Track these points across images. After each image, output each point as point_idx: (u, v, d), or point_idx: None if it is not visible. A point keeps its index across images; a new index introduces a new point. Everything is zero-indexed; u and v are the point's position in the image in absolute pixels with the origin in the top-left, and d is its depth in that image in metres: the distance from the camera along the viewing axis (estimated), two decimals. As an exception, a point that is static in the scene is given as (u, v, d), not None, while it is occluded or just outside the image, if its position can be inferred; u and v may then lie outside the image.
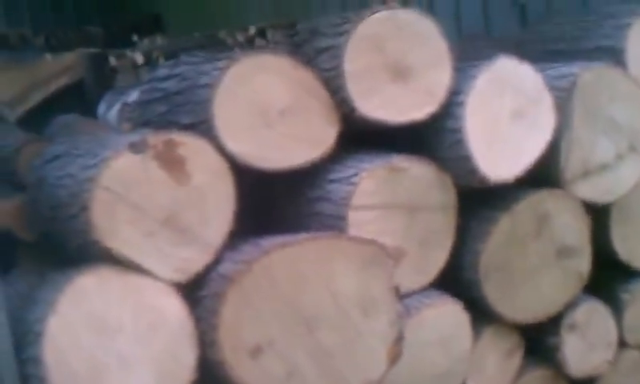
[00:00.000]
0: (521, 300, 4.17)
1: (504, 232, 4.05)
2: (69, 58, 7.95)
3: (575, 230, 4.24)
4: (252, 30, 8.87)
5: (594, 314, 4.44)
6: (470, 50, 5.07)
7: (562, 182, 4.20)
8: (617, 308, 4.52)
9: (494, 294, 4.09)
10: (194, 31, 9.81)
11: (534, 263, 4.17)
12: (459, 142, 3.89)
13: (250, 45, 8.58)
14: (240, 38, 8.79)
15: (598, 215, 4.36)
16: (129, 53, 7.93)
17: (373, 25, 3.89)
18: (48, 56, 8.57)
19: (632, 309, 4.54)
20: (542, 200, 4.14)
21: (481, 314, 4.14)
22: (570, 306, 4.35)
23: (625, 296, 4.56)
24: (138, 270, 3.40)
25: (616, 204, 4.43)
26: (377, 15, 3.91)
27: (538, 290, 4.20)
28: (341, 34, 3.89)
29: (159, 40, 9.90)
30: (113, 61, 7.82)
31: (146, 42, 9.74)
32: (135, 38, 10.09)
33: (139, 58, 7.75)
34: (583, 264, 4.30)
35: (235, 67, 3.71)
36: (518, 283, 4.15)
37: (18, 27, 11.86)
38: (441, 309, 3.96)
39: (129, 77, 7.38)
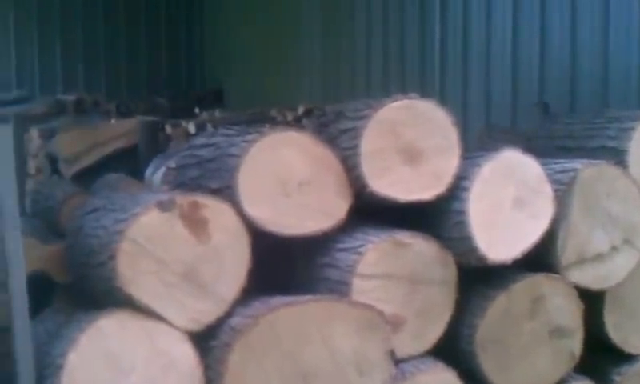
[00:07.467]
0: (514, 374, 4.16)
1: (500, 309, 4.06)
2: (128, 123, 8.10)
3: (568, 313, 4.24)
4: (300, 110, 8.97)
5: (585, 393, 4.41)
6: (486, 139, 5.12)
7: (558, 267, 4.22)
8: (608, 388, 4.49)
9: (489, 365, 4.09)
10: (251, 106, 9.95)
11: (528, 340, 4.17)
12: (462, 223, 3.94)
13: (297, 123, 8.67)
14: (289, 116, 8.89)
15: (592, 301, 4.36)
16: (184, 123, 8.05)
17: (391, 111, 3.97)
18: (112, 121, 8.75)
19: (623, 390, 4.51)
20: (537, 283, 4.15)
21: (476, 385, 4.15)
22: (562, 383, 4.32)
23: (616, 378, 4.53)
24: (155, 316, 3.48)
25: (610, 292, 4.42)
26: (395, 103, 3.99)
27: (531, 365, 4.19)
28: (361, 118, 3.98)
29: (217, 113, 10.03)
30: (169, 129, 7.95)
31: (205, 114, 9.88)
32: (197, 110, 10.25)
33: (192, 128, 7.87)
34: (575, 344, 4.28)
35: (262, 141, 3.81)
36: (513, 358, 4.14)
37: (94, 93, 12.06)
38: (434, 376, 3.95)
39: (181, 144, 7.48)
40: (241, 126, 4.40)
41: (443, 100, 5.00)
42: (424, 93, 4.34)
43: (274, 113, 8.95)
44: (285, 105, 9.42)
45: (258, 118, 8.52)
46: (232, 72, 13.82)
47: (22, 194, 5.45)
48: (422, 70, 9.31)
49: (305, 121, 8.67)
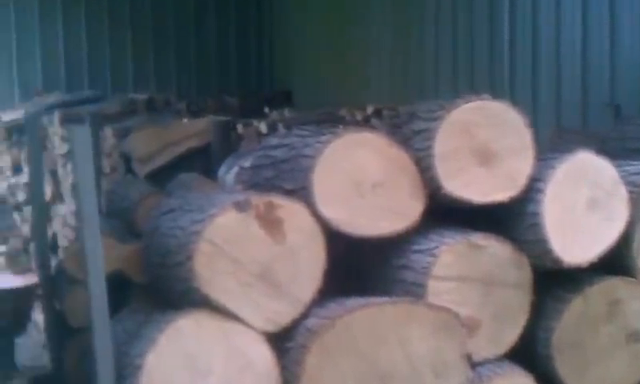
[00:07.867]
0: (591, 377, 4.09)
1: (577, 313, 4.00)
2: (201, 123, 8.12)
3: (646, 317, 4.16)
4: (369, 110, 8.92)
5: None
6: (559, 141, 5.05)
7: (634, 270, 4.14)
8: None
9: (565, 369, 4.03)
10: (320, 106, 9.94)
11: (605, 344, 4.10)
12: (536, 226, 3.89)
13: (366, 123, 8.63)
14: (358, 116, 8.85)
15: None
16: (255, 122, 8.06)
17: (464, 112, 3.94)
18: (184, 120, 8.79)
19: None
20: (614, 286, 4.08)
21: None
22: (640, 387, 4.25)
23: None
24: (232, 317, 3.48)
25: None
26: (469, 104, 3.96)
27: (607, 369, 4.12)
28: (435, 119, 3.94)
29: (286, 113, 10.04)
30: (240, 129, 7.96)
31: (274, 114, 9.90)
32: (266, 110, 10.27)
33: (264, 128, 7.87)
34: (653, 349, 4.20)
35: (336, 141, 3.80)
36: (589, 361, 4.08)
37: (165, 92, 12.16)
38: (512, 380, 3.91)
39: (253, 144, 7.50)
40: (311, 125, 4.39)
41: (513, 101, 4.95)
42: (493, 93, 4.28)
43: (343, 113, 8.91)
44: (354, 105, 9.38)
45: (328, 118, 8.49)
46: (301, 72, 13.84)
47: (98, 194, 5.49)
48: (491, 70, 9.23)
49: (374, 121, 8.63)
